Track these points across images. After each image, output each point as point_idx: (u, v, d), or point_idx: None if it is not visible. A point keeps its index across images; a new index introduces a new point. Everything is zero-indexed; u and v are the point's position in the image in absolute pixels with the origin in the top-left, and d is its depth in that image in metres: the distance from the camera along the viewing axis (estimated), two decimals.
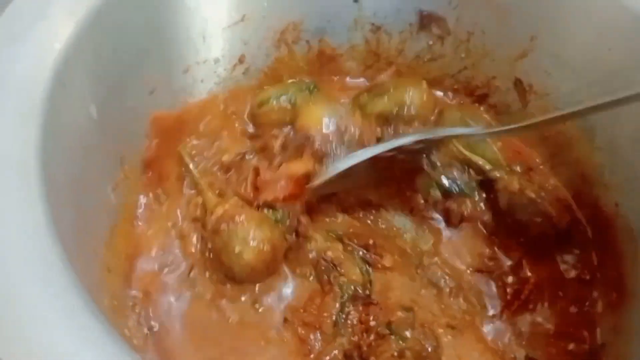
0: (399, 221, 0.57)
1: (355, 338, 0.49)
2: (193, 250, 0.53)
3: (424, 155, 0.58)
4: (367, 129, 0.58)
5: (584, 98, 0.53)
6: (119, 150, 0.50)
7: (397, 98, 0.60)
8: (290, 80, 0.63)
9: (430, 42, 0.62)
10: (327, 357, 0.48)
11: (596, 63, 0.52)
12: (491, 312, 0.52)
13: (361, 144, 0.56)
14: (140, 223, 0.54)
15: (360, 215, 0.57)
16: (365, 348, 0.48)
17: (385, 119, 0.60)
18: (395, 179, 0.58)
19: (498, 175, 0.57)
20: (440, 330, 0.51)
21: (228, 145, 0.59)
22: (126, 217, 0.52)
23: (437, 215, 0.57)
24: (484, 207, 0.57)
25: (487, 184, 0.58)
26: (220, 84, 0.60)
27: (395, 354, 0.47)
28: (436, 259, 0.55)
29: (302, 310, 0.51)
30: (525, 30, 0.56)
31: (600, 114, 0.51)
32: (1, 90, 0.37)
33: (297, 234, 0.53)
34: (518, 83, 0.60)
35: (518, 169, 0.59)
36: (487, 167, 0.58)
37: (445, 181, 0.58)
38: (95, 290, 0.40)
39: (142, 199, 0.55)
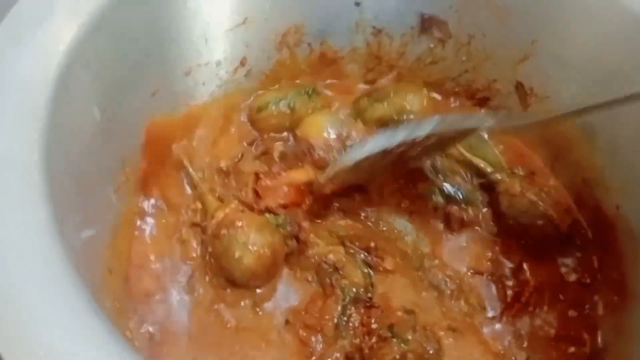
0: (400, 224, 0.57)
1: (357, 340, 0.49)
2: (193, 254, 0.53)
3: (429, 159, 0.58)
4: (369, 131, 0.58)
5: (585, 100, 0.54)
6: (120, 152, 0.50)
7: (397, 103, 0.61)
8: (289, 84, 0.63)
9: (432, 45, 0.62)
10: None
11: (597, 64, 0.52)
12: (492, 315, 0.52)
13: None
14: (140, 227, 0.54)
15: (362, 217, 0.57)
16: (366, 351, 0.48)
17: (385, 125, 0.61)
18: (398, 178, 0.58)
19: (499, 177, 0.57)
20: (442, 333, 0.51)
21: (226, 150, 0.59)
22: (127, 218, 0.52)
23: (438, 219, 0.57)
24: (485, 215, 0.57)
25: (488, 187, 0.58)
26: (221, 87, 0.60)
27: (397, 356, 0.47)
28: (437, 261, 0.55)
29: (303, 313, 0.51)
30: (526, 33, 0.56)
31: (600, 115, 0.51)
32: (5, 92, 0.37)
33: (298, 240, 0.53)
34: (519, 86, 0.60)
35: (519, 171, 0.59)
36: (489, 169, 0.58)
37: (447, 188, 0.58)
38: (97, 291, 0.40)
39: (142, 204, 0.55)
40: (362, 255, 0.54)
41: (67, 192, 0.39)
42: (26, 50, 0.39)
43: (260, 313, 0.51)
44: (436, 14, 0.59)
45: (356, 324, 0.50)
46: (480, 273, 0.55)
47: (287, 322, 0.50)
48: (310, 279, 0.53)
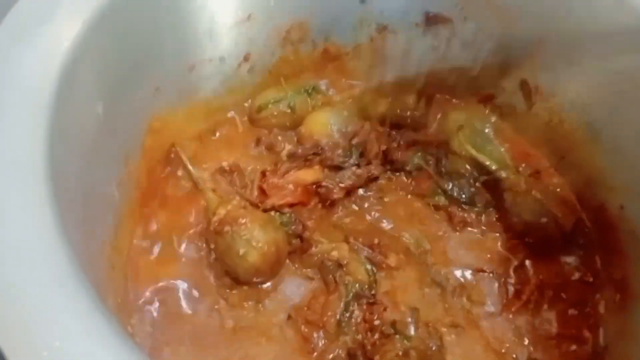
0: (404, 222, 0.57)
1: (359, 337, 0.49)
2: (195, 252, 0.53)
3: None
4: (374, 132, 0.58)
5: (592, 99, 0.54)
6: (124, 147, 0.50)
7: (400, 100, 0.60)
8: (290, 81, 0.63)
9: (436, 43, 0.61)
10: (331, 356, 0.49)
11: (604, 64, 0.52)
12: (494, 312, 0.53)
13: (369, 148, 0.57)
14: (142, 225, 0.54)
15: (366, 214, 0.57)
16: (369, 347, 0.48)
17: (388, 121, 0.61)
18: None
19: (504, 175, 0.57)
20: (444, 330, 0.51)
21: (230, 147, 0.59)
22: (129, 213, 0.52)
23: (441, 218, 0.58)
24: (488, 216, 0.57)
25: (493, 185, 0.58)
26: (225, 82, 0.60)
27: (400, 353, 0.47)
28: (440, 258, 0.55)
29: (305, 309, 0.51)
30: (532, 31, 0.55)
31: (605, 116, 0.51)
32: (8, 89, 0.37)
33: (302, 239, 0.53)
34: (524, 84, 0.59)
35: (524, 169, 0.59)
36: (494, 167, 0.58)
37: (451, 189, 0.58)
38: (101, 289, 0.40)
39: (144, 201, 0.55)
40: (365, 252, 0.54)
41: (70, 190, 0.38)
42: (30, 47, 0.39)
43: (262, 309, 0.51)
44: (441, 12, 0.59)
45: (358, 321, 0.50)
46: (483, 270, 0.55)
47: (289, 317, 0.51)
48: (313, 275, 0.53)
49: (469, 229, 0.57)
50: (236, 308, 0.51)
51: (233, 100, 0.61)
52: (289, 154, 0.57)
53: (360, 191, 0.58)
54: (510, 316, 0.52)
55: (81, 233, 0.39)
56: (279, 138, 0.59)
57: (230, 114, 0.62)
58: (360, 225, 0.56)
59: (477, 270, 0.55)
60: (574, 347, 0.51)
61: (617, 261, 0.53)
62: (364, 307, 0.51)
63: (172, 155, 0.57)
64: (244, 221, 0.50)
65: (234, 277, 0.51)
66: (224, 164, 0.58)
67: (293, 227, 0.53)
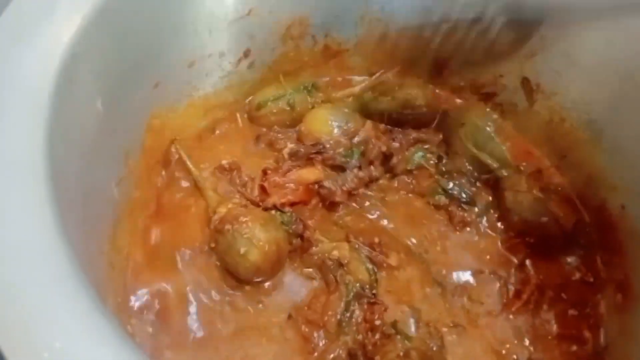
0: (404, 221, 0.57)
1: (360, 337, 0.49)
2: (195, 252, 0.53)
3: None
4: (374, 129, 0.58)
5: (593, 98, 0.54)
6: (123, 144, 0.50)
7: (402, 97, 0.60)
8: (290, 79, 0.63)
9: (437, 39, 0.61)
10: (331, 356, 0.48)
11: (606, 64, 0.52)
12: (495, 312, 0.53)
13: (370, 149, 0.56)
14: (143, 224, 0.53)
15: (367, 213, 0.57)
16: (370, 347, 0.48)
17: (388, 118, 0.60)
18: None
19: (505, 173, 0.57)
20: (445, 329, 0.51)
21: (230, 144, 0.59)
22: (129, 212, 0.52)
23: (441, 217, 0.58)
24: (489, 216, 0.57)
25: (494, 183, 0.58)
26: (224, 78, 0.59)
27: (401, 353, 0.47)
28: (441, 258, 0.55)
29: (306, 308, 0.51)
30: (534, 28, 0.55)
31: (606, 115, 0.51)
32: (8, 87, 0.36)
33: (302, 238, 0.53)
34: (525, 82, 0.59)
35: (525, 168, 0.59)
36: (495, 165, 0.58)
37: (451, 188, 0.58)
38: (101, 289, 0.40)
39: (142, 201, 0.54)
40: (366, 252, 0.54)
41: (70, 189, 0.38)
42: (29, 44, 0.38)
43: (262, 308, 0.51)
44: (442, 9, 0.58)
45: (359, 320, 0.50)
46: (484, 270, 0.55)
47: (289, 317, 0.50)
48: (313, 274, 0.53)
49: (469, 228, 0.57)
50: (237, 308, 0.50)
51: (233, 97, 0.61)
52: (291, 152, 0.57)
53: (361, 190, 0.57)
54: (511, 316, 0.52)
55: (81, 233, 0.39)
56: (279, 136, 0.59)
57: (230, 111, 0.61)
58: (361, 225, 0.56)
59: (478, 270, 0.55)
60: (574, 347, 0.51)
61: (617, 261, 0.53)
62: (365, 306, 0.50)
63: (173, 151, 0.56)
64: (244, 220, 0.50)
65: (235, 275, 0.50)
66: (224, 161, 0.57)
67: (294, 226, 0.52)
